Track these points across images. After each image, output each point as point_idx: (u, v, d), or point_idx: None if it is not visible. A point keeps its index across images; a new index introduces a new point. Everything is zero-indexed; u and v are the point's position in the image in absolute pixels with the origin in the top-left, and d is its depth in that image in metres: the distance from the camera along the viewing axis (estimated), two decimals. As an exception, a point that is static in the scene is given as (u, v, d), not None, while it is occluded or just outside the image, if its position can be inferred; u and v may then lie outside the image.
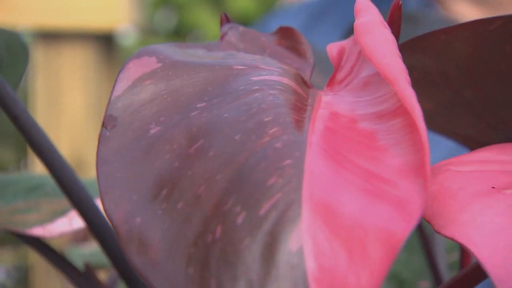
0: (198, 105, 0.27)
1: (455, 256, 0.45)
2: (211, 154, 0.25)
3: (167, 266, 0.23)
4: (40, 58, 1.17)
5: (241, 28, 0.34)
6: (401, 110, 0.27)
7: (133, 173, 0.26)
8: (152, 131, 0.27)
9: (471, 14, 1.07)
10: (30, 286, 1.68)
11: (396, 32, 0.30)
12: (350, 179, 0.24)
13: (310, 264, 0.22)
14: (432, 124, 0.32)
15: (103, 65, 1.56)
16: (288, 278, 0.22)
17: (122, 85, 0.28)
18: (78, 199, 0.36)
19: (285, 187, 0.24)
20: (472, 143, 0.33)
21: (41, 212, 0.40)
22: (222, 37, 0.33)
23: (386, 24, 0.29)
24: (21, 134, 0.37)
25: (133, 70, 0.29)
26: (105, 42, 1.53)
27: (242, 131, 0.26)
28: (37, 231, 0.40)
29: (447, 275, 0.43)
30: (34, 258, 1.63)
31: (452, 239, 0.24)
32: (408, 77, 0.26)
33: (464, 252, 0.39)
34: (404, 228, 0.22)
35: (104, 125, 0.27)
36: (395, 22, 0.30)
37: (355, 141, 0.26)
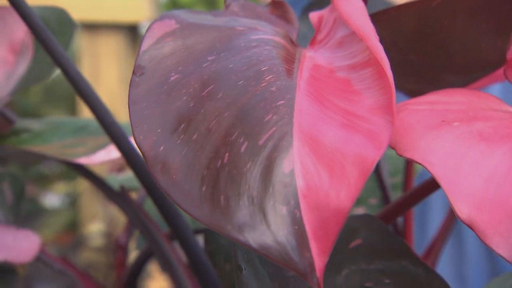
0: (209, 58, 0.26)
1: (398, 179, 0.44)
2: (220, 96, 0.24)
3: (185, 184, 0.22)
4: (84, 44, 1.18)
5: (241, 1, 0.32)
6: (370, 62, 0.25)
7: (157, 111, 0.24)
8: (172, 78, 0.25)
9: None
10: (78, 209, 1.68)
11: (364, 2, 0.29)
12: (331, 116, 0.23)
13: (300, 183, 0.21)
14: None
15: (130, 48, 1.59)
16: (282, 194, 0.21)
17: (148, 41, 0.26)
18: (116, 136, 0.35)
19: (279, 122, 0.22)
20: (416, 94, 0.32)
21: (86, 146, 0.40)
22: (226, 7, 0.32)
23: None
24: (72, 85, 0.35)
25: (157, 29, 0.27)
26: (131, 32, 1.56)
27: (244, 78, 0.24)
28: (83, 160, 0.39)
29: (390, 193, 0.42)
30: (82, 187, 1.62)
31: (412, 160, 0.24)
32: (376, 34, 0.25)
33: (408, 176, 0.39)
34: (375, 154, 0.21)
35: (134, 72, 0.25)
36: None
37: (334, 86, 0.25)
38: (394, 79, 0.32)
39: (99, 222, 1.40)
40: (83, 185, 1.61)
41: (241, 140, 0.22)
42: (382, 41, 0.29)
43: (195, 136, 0.23)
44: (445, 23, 0.28)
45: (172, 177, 0.22)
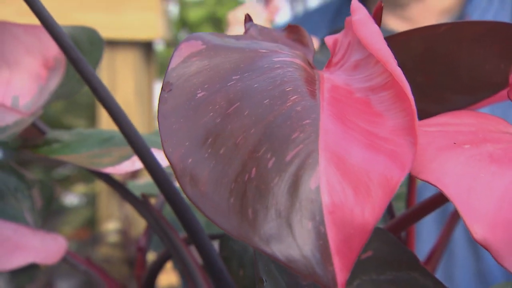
0: (233, 77, 0.24)
1: (400, 190, 0.42)
2: (246, 113, 0.22)
3: (213, 196, 0.20)
4: (104, 60, 1.16)
5: (259, 26, 0.31)
6: (388, 85, 0.23)
7: (185, 125, 0.22)
8: (199, 95, 0.23)
9: (399, 27, 1.04)
10: (96, 208, 1.66)
11: (379, 26, 0.28)
12: (354, 136, 0.21)
13: (325, 199, 0.19)
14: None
15: (145, 63, 1.56)
16: (308, 209, 0.19)
17: (176, 60, 0.25)
18: (139, 147, 0.33)
19: (305, 140, 0.21)
20: (422, 113, 0.31)
21: (112, 156, 0.38)
22: (245, 32, 0.30)
23: (374, 21, 0.26)
24: (100, 101, 0.34)
25: (184, 50, 0.25)
26: (146, 48, 1.53)
27: (269, 97, 0.23)
28: (109, 170, 0.37)
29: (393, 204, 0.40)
30: (99, 188, 1.61)
31: (427, 181, 0.22)
32: (395, 59, 0.23)
33: (411, 188, 0.38)
34: (399, 175, 0.20)
35: (163, 89, 0.24)
36: (378, 18, 0.28)
37: (354, 107, 0.23)
38: None
39: (115, 221, 1.39)
40: (100, 186, 1.59)
41: (268, 156, 0.21)
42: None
43: (222, 151, 0.21)
44: (451, 47, 0.27)
45: (200, 189, 0.20)
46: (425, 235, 0.91)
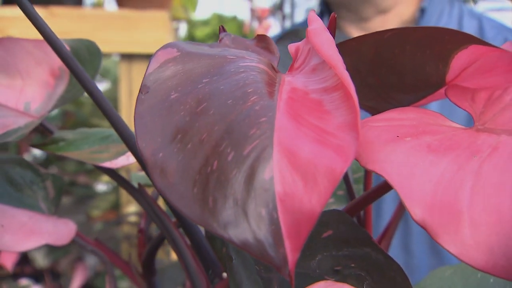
0: (204, 80, 0.23)
1: (359, 175, 0.41)
2: (211, 112, 0.21)
3: (179, 187, 0.19)
4: (122, 69, 1.16)
5: (232, 35, 0.30)
6: (338, 86, 0.22)
7: (158, 124, 0.21)
8: (172, 96, 0.22)
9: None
10: (119, 194, 1.66)
11: (333, 35, 0.27)
12: (306, 132, 0.20)
13: (278, 188, 0.18)
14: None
15: None
16: (262, 197, 0.18)
17: (153, 65, 0.24)
18: (131, 144, 0.32)
19: (261, 136, 0.20)
20: (374, 111, 0.31)
21: (110, 152, 0.37)
22: (220, 41, 0.29)
23: (328, 30, 0.25)
24: (96, 104, 0.33)
25: (161, 56, 0.24)
26: None
27: (232, 98, 0.22)
28: (107, 164, 0.36)
29: (354, 187, 0.39)
30: None
31: (373, 171, 0.21)
32: (343, 63, 0.22)
33: (367, 175, 0.36)
34: (343, 166, 0.19)
35: (140, 91, 0.23)
36: (332, 28, 0.27)
37: (308, 106, 0.22)
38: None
39: (134, 204, 1.38)
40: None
41: (229, 150, 0.20)
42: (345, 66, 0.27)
43: (189, 146, 0.20)
44: (395, 51, 0.26)
45: (168, 180, 0.19)
46: (385, 212, 0.90)
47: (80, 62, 0.42)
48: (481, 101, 0.25)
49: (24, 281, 1.36)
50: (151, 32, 1.13)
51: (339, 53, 0.23)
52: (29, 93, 0.42)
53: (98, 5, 1.84)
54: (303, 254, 0.25)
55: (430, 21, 1.00)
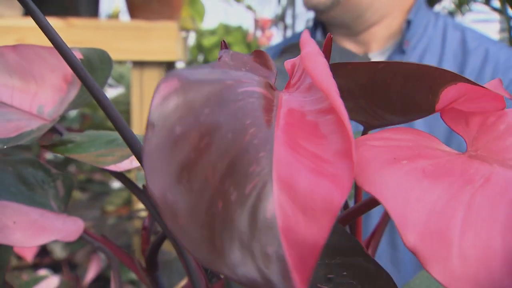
0: (205, 111, 0.22)
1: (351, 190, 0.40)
2: (214, 148, 0.20)
3: (189, 229, 0.18)
4: (134, 76, 1.17)
5: (231, 52, 0.29)
6: (333, 109, 0.21)
7: (165, 162, 0.20)
8: (177, 132, 0.21)
9: (355, 49, 1.04)
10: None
11: (327, 58, 0.26)
12: (303, 162, 0.19)
13: (280, 224, 0.18)
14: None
15: None
16: (267, 236, 0.18)
17: (156, 101, 0.22)
18: (135, 149, 0.31)
19: (261, 172, 0.19)
20: (365, 124, 0.30)
21: (115, 156, 0.37)
22: (219, 58, 0.28)
23: (321, 53, 0.23)
24: (102, 109, 0.31)
25: (163, 90, 0.23)
26: (168, 67, 1.49)
27: (232, 131, 0.21)
28: (112, 167, 0.36)
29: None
30: (134, 176, 1.61)
31: (369, 193, 0.20)
32: (337, 90, 0.21)
33: (357, 190, 0.35)
34: (340, 198, 0.18)
35: (147, 129, 0.21)
36: (327, 51, 0.25)
37: (305, 130, 0.21)
38: (350, 115, 0.29)
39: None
40: (134, 174, 1.57)
41: (231, 190, 0.19)
42: (339, 88, 0.26)
43: (195, 186, 0.19)
44: (388, 80, 0.25)
45: (179, 223, 0.19)
46: (374, 211, 0.90)
47: (92, 70, 0.41)
48: (475, 126, 0.24)
49: (42, 272, 1.38)
50: (161, 41, 1.14)
51: (333, 73, 0.22)
52: (43, 97, 0.41)
53: (114, 16, 1.82)
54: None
55: (417, 32, 1.00)
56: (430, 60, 0.98)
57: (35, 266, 1.40)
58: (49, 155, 1.52)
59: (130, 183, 0.36)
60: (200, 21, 1.69)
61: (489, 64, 0.94)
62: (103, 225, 1.31)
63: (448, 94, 0.23)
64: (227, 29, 2.67)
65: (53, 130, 0.40)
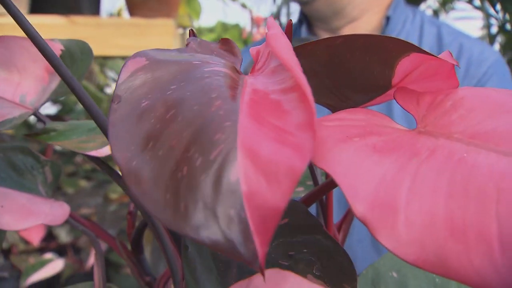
0: (172, 87, 0.21)
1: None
2: (180, 118, 0.19)
3: (153, 193, 0.17)
4: None
5: (199, 39, 0.27)
6: (296, 88, 0.21)
7: (131, 132, 0.19)
8: (143, 104, 0.20)
9: None
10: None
11: (290, 39, 0.25)
12: (266, 132, 0.18)
13: (244, 189, 0.17)
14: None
15: None
16: (230, 199, 0.16)
17: (123, 75, 0.21)
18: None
19: (226, 140, 0.18)
20: (333, 108, 0.29)
21: (96, 142, 0.35)
22: (187, 45, 0.27)
23: (285, 35, 0.22)
24: (78, 99, 0.30)
25: (130, 66, 0.22)
26: None
27: (198, 104, 0.19)
28: (93, 153, 0.34)
29: (320, 178, 0.37)
30: None
31: (322, 169, 0.20)
32: (300, 67, 0.20)
33: (327, 176, 0.34)
34: (301, 165, 0.17)
35: (112, 101, 0.20)
36: (288, 33, 0.24)
37: (268, 107, 0.20)
38: (315, 98, 0.28)
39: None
40: None
41: (197, 156, 0.17)
42: (303, 68, 0.25)
43: (160, 153, 0.18)
44: (347, 55, 0.24)
45: (142, 188, 0.17)
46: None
47: (73, 61, 0.40)
48: (425, 104, 0.23)
49: (48, 255, 1.36)
50: (159, 37, 1.11)
51: (297, 56, 0.21)
52: (25, 86, 0.39)
53: (118, 15, 1.81)
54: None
55: (395, 28, 0.99)
56: None
57: (42, 250, 1.38)
58: (57, 147, 1.49)
59: (108, 168, 0.35)
60: (197, 19, 1.67)
61: (463, 57, 0.93)
62: (105, 211, 1.29)
63: (402, 66, 0.23)
64: (224, 27, 2.65)
65: (38, 119, 0.38)
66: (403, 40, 0.21)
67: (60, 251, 1.39)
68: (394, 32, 0.96)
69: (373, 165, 0.19)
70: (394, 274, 0.29)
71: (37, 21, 1.05)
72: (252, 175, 0.17)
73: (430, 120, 0.22)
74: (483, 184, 0.17)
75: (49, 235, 1.40)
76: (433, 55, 0.22)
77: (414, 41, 0.98)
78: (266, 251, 0.16)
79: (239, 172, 0.17)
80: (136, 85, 0.21)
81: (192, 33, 0.28)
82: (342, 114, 0.22)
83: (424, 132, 0.21)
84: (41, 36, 0.29)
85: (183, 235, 0.16)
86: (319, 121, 0.22)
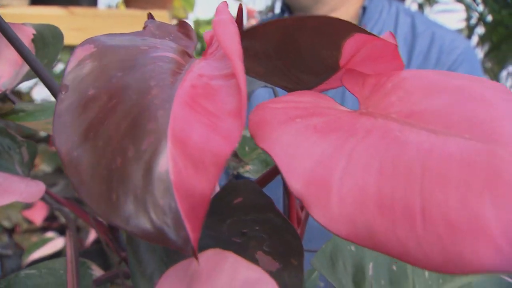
0: (118, 74, 0.21)
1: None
2: (119, 108, 0.19)
3: (90, 183, 0.18)
4: None
5: (157, 22, 0.27)
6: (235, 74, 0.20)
7: (75, 122, 0.19)
8: (90, 93, 0.20)
9: None
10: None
11: (240, 25, 0.25)
12: (199, 119, 0.19)
13: (173, 178, 0.17)
14: (267, 79, 0.27)
15: None
16: (160, 188, 0.17)
17: (71, 64, 0.21)
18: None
19: (157, 129, 0.18)
20: (289, 90, 0.28)
21: None
22: (144, 28, 0.27)
23: (234, 21, 0.22)
24: (42, 81, 0.31)
25: (79, 53, 0.22)
26: None
27: (137, 92, 0.20)
28: None
29: None
30: None
31: (263, 149, 0.20)
32: (241, 56, 0.20)
33: None
34: (227, 151, 0.17)
35: (60, 90, 0.20)
36: (239, 19, 0.24)
37: (208, 92, 0.20)
38: (272, 80, 0.28)
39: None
40: None
41: (130, 146, 0.18)
42: (256, 51, 0.25)
43: (100, 143, 0.18)
44: (297, 37, 0.24)
45: (81, 178, 0.18)
46: None
47: (44, 45, 0.40)
48: (369, 86, 0.23)
49: (50, 234, 1.41)
50: None
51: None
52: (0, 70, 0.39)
53: (119, 6, 1.82)
54: (216, 219, 0.24)
55: (372, 17, 0.99)
56: None
57: (44, 229, 1.43)
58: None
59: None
60: (191, 11, 1.67)
61: (435, 45, 0.94)
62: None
63: (348, 47, 0.23)
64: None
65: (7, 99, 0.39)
66: (347, 22, 0.21)
67: (62, 230, 1.44)
68: (371, 21, 0.96)
69: (311, 145, 0.19)
70: (352, 248, 0.30)
71: (37, 12, 1.08)
72: (181, 164, 0.17)
73: (373, 101, 0.22)
74: (411, 161, 0.17)
75: (52, 216, 1.44)
76: (374, 35, 0.22)
77: (390, 30, 0.97)
78: (198, 236, 0.17)
79: (168, 162, 0.17)
80: (84, 73, 0.21)
81: (151, 16, 0.29)
82: (288, 97, 0.22)
83: (366, 113, 0.21)
84: (11, 28, 0.30)
85: (114, 225, 0.17)
86: (266, 103, 0.22)
